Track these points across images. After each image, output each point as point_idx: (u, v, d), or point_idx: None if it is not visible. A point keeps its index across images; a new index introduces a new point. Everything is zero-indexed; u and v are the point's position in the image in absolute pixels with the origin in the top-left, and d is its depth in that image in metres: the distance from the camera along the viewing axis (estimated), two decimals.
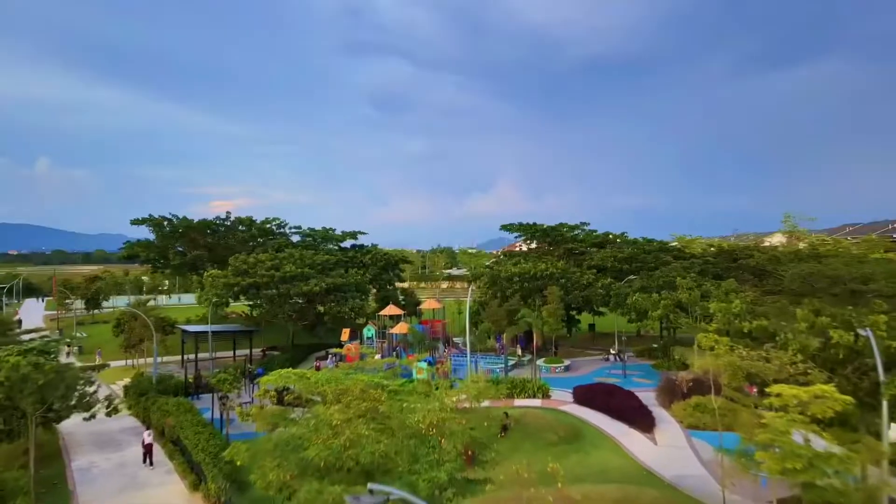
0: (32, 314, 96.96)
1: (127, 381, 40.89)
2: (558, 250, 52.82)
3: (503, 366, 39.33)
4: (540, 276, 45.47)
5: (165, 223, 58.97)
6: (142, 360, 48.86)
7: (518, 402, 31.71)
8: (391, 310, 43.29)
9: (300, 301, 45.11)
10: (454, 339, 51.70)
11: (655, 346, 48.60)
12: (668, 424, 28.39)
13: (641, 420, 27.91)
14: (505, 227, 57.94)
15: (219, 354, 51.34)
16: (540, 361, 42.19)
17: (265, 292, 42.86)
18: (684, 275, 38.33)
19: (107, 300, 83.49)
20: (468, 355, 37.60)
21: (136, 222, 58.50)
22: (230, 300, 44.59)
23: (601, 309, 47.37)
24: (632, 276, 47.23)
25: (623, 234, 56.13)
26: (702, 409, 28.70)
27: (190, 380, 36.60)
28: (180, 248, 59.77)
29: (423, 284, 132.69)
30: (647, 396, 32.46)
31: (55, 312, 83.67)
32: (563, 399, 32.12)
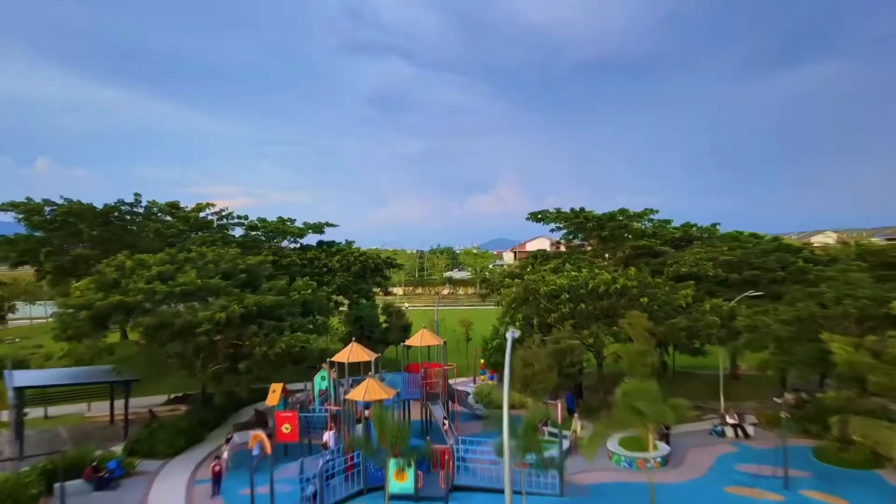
0: None
1: None
2: (621, 250, 34.67)
3: (555, 454, 20.83)
4: (606, 292, 27.35)
5: (46, 209, 40.88)
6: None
7: None
8: (356, 353, 24.80)
9: (211, 334, 26.73)
10: (463, 391, 33.41)
11: (779, 399, 30.72)
12: None
13: None
14: (534, 216, 39.82)
15: (94, 413, 33.31)
16: (613, 444, 24.08)
17: (140, 319, 24.71)
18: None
19: (13, 311, 65.59)
20: (505, 443, 18.99)
21: (1, 208, 40.40)
22: (84, 330, 26.21)
23: (702, 346, 29.13)
24: (752, 292, 29.09)
25: (713, 225, 37.99)
26: None
27: None
28: (67, 246, 41.67)
29: (420, 290, 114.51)
30: None
31: None
32: None
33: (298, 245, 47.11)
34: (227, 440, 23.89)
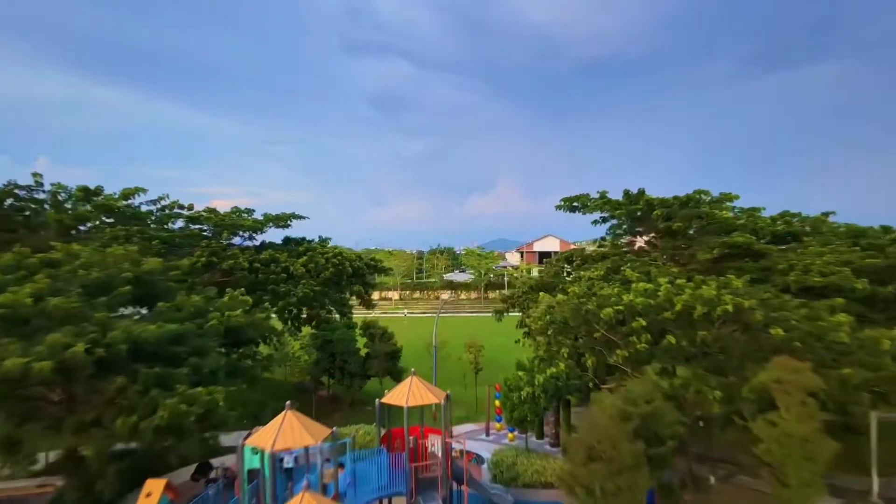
0: None
1: None
2: (705, 249, 23.73)
3: None
4: (706, 316, 16.77)
5: None
6: None
7: None
8: (290, 433, 14.15)
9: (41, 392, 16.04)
10: (472, 454, 22.82)
11: None
12: None
13: None
14: (568, 204, 29.10)
15: None
16: None
17: None
18: None
19: None
20: None
21: None
22: None
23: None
24: None
25: (824, 215, 27.32)
26: None
27: None
28: None
29: (417, 294, 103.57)
30: None
31: None
32: None
33: (259, 242, 36.53)
34: None
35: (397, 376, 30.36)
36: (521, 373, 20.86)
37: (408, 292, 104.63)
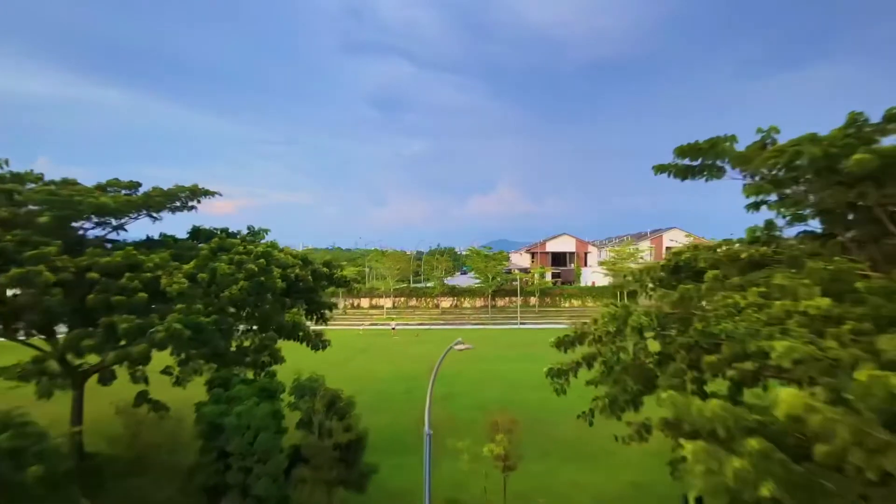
0: None
1: None
2: None
3: None
4: None
5: None
6: None
7: None
8: None
9: None
10: None
11: None
12: None
13: None
14: (685, 157, 15.33)
15: None
16: None
17: None
18: None
19: None
20: None
21: None
22: None
23: None
24: None
25: None
26: None
27: None
28: None
29: (413, 301, 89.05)
30: None
31: None
32: None
33: (151, 238, 22.27)
34: None
35: (360, 485, 16.19)
36: None
37: (403, 299, 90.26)
